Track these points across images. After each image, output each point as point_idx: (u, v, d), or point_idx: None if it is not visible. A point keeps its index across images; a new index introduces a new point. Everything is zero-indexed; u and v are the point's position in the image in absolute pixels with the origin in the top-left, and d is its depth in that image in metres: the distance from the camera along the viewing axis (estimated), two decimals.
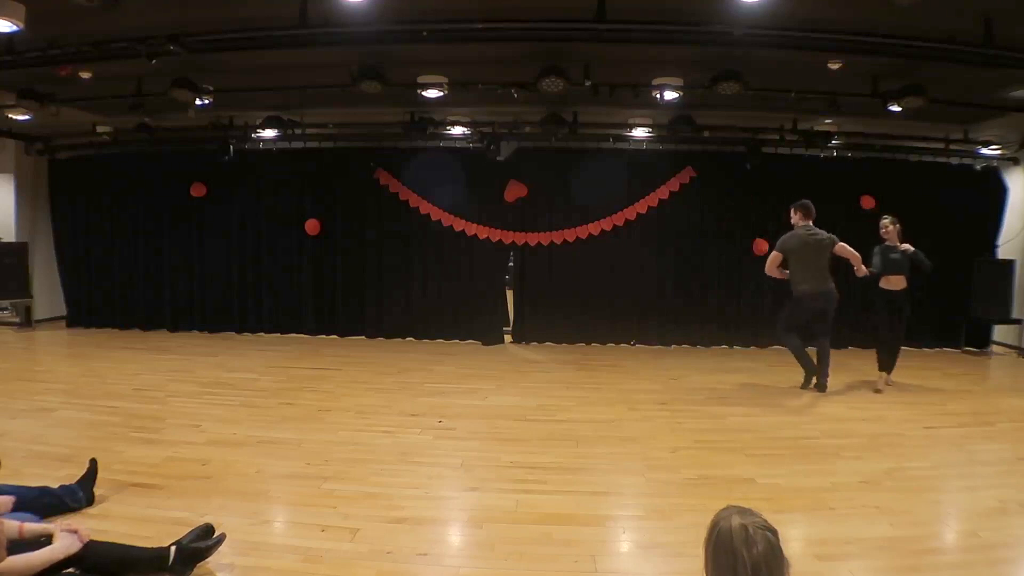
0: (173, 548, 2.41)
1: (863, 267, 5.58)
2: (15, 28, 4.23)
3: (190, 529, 2.56)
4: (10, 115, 6.60)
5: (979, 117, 6.87)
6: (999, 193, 8.00)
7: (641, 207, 7.85)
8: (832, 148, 7.62)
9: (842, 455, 3.94)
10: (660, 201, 7.82)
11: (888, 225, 5.72)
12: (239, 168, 8.08)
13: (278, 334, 8.24)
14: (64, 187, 8.66)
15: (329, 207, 8.13)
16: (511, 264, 8.25)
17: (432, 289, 8.12)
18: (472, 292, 8.01)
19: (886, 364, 5.74)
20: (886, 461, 3.82)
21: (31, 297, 8.46)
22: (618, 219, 7.85)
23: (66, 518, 2.78)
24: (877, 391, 5.60)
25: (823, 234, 5.56)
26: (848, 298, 7.84)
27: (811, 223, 5.61)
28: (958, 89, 5.77)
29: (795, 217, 5.65)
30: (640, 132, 7.52)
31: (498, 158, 7.50)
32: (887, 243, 5.71)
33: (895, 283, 5.66)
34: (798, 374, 5.74)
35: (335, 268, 8.21)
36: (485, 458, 3.83)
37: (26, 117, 6.67)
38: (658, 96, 5.88)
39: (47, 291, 8.79)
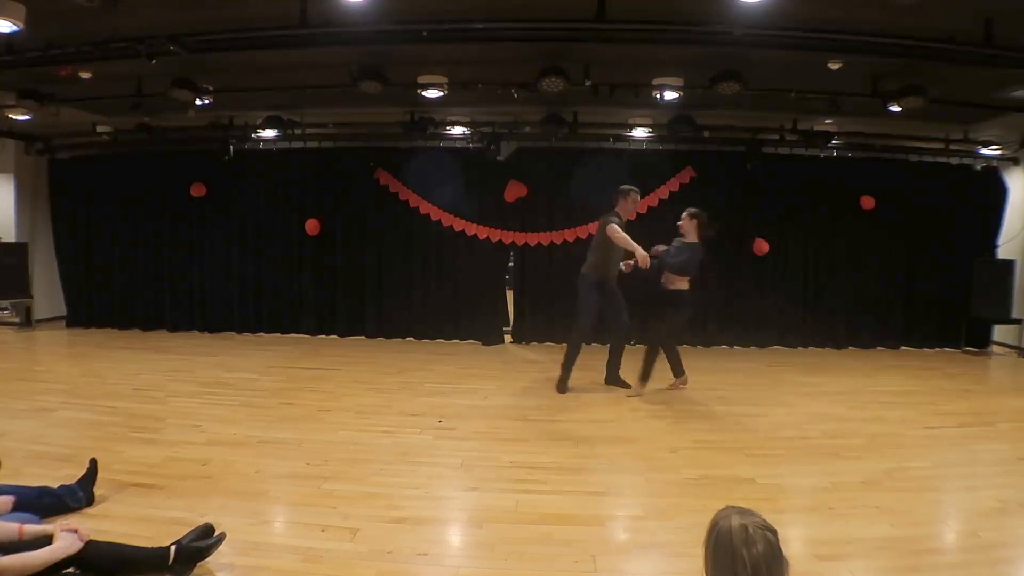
0: (173, 548, 2.41)
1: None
2: (15, 28, 4.23)
3: (190, 529, 2.56)
4: (10, 115, 6.60)
5: (979, 117, 6.87)
6: (999, 193, 8.00)
7: (641, 207, 7.82)
8: (832, 148, 7.62)
9: (842, 455, 3.94)
10: (660, 201, 7.81)
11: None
12: (239, 168, 8.08)
13: (278, 334, 8.24)
14: (64, 187, 8.65)
15: (329, 207, 8.13)
16: (511, 264, 8.25)
17: (432, 289, 8.11)
18: (472, 292, 8.00)
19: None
20: (886, 461, 3.82)
21: (31, 297, 8.46)
22: None
23: (66, 518, 2.78)
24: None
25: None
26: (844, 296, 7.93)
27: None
28: (958, 89, 5.77)
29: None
30: (640, 132, 7.52)
31: (498, 158, 7.50)
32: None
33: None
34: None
35: (335, 268, 8.20)
36: (485, 458, 3.83)
37: (26, 117, 6.68)
38: (658, 96, 5.89)
39: (47, 291, 8.79)
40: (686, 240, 5.29)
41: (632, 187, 5.65)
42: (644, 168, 7.77)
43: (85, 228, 8.61)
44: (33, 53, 4.95)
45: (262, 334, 8.25)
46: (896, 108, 5.70)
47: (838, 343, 7.92)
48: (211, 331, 8.33)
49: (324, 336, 8.19)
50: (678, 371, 5.60)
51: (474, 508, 3.15)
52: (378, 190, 7.99)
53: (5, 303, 8.43)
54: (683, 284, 5.28)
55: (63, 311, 8.83)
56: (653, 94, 5.88)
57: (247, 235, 8.33)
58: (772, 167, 7.63)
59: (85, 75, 5.67)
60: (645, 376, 5.35)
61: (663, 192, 7.81)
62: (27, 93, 5.97)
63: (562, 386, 5.49)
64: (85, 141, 8.13)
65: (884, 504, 3.18)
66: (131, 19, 4.51)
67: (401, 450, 3.94)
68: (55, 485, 2.95)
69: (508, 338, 8.11)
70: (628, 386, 5.49)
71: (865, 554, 2.68)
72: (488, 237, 7.90)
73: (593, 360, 7.12)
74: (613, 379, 5.67)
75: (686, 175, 7.79)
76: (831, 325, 7.95)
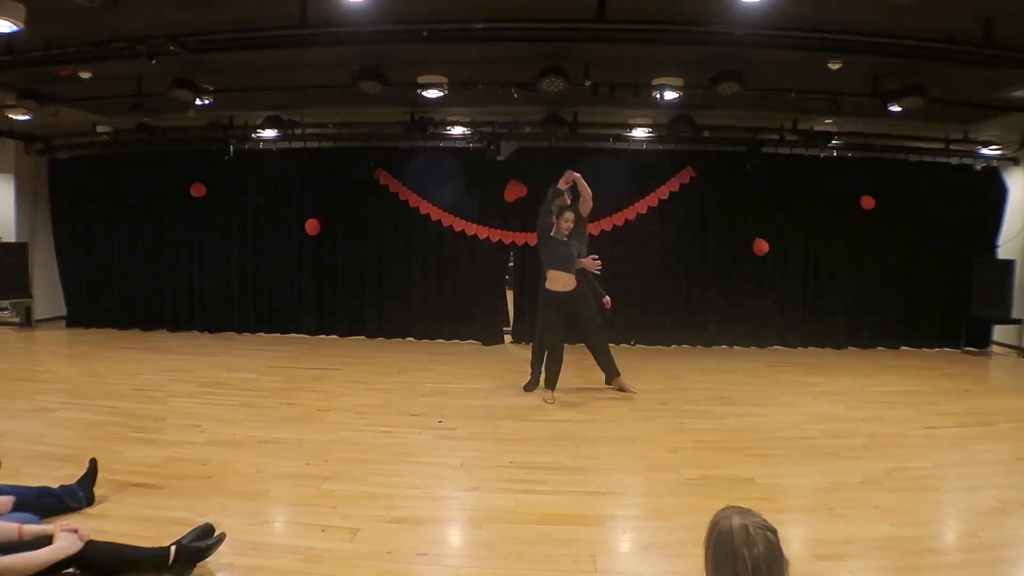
0: (173, 548, 2.41)
1: None
2: (15, 28, 4.23)
3: (190, 529, 2.56)
4: (10, 115, 6.60)
5: (979, 117, 6.87)
6: (999, 193, 8.00)
7: (641, 207, 7.84)
8: (832, 148, 7.62)
9: (842, 455, 3.94)
10: (660, 201, 7.81)
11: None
12: (239, 168, 8.08)
13: (278, 334, 8.24)
14: (64, 187, 8.65)
15: (329, 207, 8.13)
16: (511, 264, 8.25)
17: (432, 289, 8.11)
18: (472, 292, 8.00)
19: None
20: (886, 461, 3.82)
21: (31, 297, 8.46)
22: (618, 219, 7.84)
23: (66, 518, 2.78)
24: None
25: None
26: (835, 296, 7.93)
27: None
28: (958, 89, 5.77)
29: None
30: (640, 132, 7.52)
31: (498, 158, 7.50)
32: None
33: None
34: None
35: (335, 268, 8.20)
36: (485, 458, 3.83)
37: (26, 117, 6.67)
38: (658, 96, 5.89)
39: (47, 291, 8.79)
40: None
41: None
42: (644, 168, 7.78)
43: (85, 228, 8.61)
44: (33, 53, 4.95)
45: (262, 334, 8.25)
46: (896, 108, 5.71)
47: (838, 343, 7.92)
48: (211, 331, 8.33)
49: (324, 336, 8.18)
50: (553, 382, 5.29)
51: (474, 508, 3.15)
52: (378, 190, 7.99)
53: (5, 303, 8.43)
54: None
55: (63, 311, 8.83)
56: (653, 94, 5.88)
57: (247, 235, 8.33)
58: (772, 167, 7.64)
59: (85, 75, 5.67)
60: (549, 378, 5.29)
61: (663, 192, 7.82)
62: (27, 93, 5.97)
63: (531, 385, 5.52)
64: (85, 141, 8.13)
65: (884, 504, 3.18)
66: (131, 19, 4.51)
67: (401, 450, 3.94)
68: (55, 485, 2.95)
69: (508, 338, 8.11)
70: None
71: (865, 554, 2.68)
72: (488, 237, 7.90)
73: (592, 360, 7.11)
74: (612, 379, 5.67)
75: (686, 175, 7.79)
76: (831, 325, 7.95)
